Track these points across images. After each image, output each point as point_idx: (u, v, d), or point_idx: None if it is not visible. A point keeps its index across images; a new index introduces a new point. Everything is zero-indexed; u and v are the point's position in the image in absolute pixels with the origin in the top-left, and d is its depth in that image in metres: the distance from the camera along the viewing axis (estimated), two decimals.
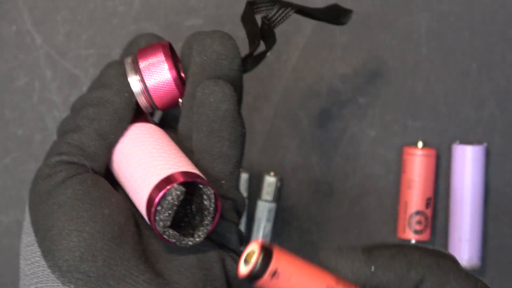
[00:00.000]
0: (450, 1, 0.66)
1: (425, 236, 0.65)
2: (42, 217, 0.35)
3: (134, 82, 0.38)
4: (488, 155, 0.66)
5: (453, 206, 0.65)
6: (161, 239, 0.35)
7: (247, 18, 0.42)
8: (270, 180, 0.65)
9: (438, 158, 0.66)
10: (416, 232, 0.64)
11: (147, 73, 0.38)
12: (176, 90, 0.38)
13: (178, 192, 0.34)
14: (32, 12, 0.64)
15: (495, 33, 0.66)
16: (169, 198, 0.34)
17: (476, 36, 0.66)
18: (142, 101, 0.38)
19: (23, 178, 0.65)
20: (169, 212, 0.34)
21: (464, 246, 0.64)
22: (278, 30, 0.66)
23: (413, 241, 0.65)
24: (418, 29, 0.66)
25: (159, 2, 0.64)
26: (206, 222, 0.35)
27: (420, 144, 0.65)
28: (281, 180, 0.65)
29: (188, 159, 0.36)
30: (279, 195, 0.65)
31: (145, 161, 0.36)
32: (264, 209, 0.64)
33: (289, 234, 0.66)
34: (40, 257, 0.34)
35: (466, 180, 0.65)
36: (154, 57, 0.39)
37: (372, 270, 0.30)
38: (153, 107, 0.39)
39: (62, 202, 0.35)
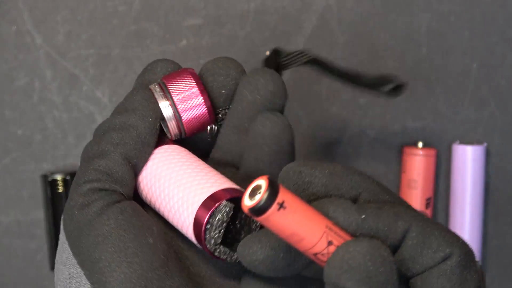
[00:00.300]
0: (450, 1, 0.66)
1: None
2: (87, 249, 0.35)
3: (165, 107, 0.38)
4: (488, 155, 0.66)
5: (453, 206, 0.65)
6: (212, 257, 0.35)
7: (269, 65, 0.43)
8: None
9: (438, 158, 0.66)
10: None
11: (179, 98, 0.38)
12: (208, 116, 0.38)
13: (228, 209, 0.34)
14: (32, 12, 0.64)
15: (495, 33, 0.66)
16: (219, 215, 0.34)
17: (476, 36, 0.66)
18: (172, 126, 0.38)
19: (23, 178, 0.65)
20: (220, 229, 0.34)
21: None
22: (278, 30, 0.66)
23: None
24: (418, 29, 0.66)
25: (159, 2, 0.64)
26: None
27: (420, 144, 0.65)
28: None
29: (224, 176, 0.37)
30: None
31: (184, 182, 0.36)
32: None
33: None
34: None
35: (466, 180, 0.65)
36: (183, 82, 0.39)
37: (363, 217, 0.31)
38: (181, 132, 0.39)
39: (107, 233, 0.35)
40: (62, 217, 0.37)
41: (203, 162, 0.38)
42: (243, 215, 0.35)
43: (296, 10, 0.65)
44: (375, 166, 0.66)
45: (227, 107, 0.40)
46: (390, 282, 0.30)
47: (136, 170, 0.38)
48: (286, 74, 0.66)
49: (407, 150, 0.65)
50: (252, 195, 0.29)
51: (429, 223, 0.32)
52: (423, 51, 0.66)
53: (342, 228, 0.31)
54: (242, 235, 0.35)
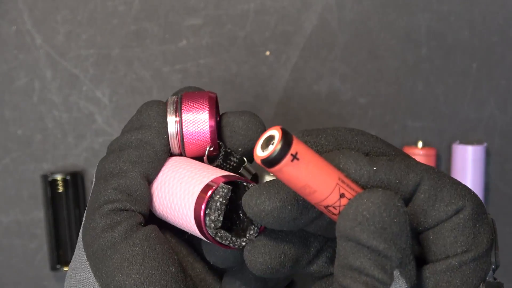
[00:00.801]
0: (450, 1, 0.66)
1: None
2: (111, 272, 0.35)
3: (172, 123, 0.38)
4: (488, 155, 0.66)
5: None
6: (215, 244, 0.35)
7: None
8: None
9: (438, 158, 0.66)
10: None
11: (186, 117, 0.38)
12: (210, 140, 0.38)
13: (225, 190, 0.34)
14: (32, 12, 0.64)
15: (495, 33, 0.66)
16: (216, 198, 0.34)
17: (476, 36, 0.66)
18: (173, 143, 0.38)
19: (23, 178, 0.65)
20: (219, 212, 0.34)
21: None
22: (278, 30, 0.66)
23: None
24: (418, 29, 0.66)
25: (159, 2, 0.64)
26: None
27: (420, 144, 0.65)
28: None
29: (224, 171, 0.37)
30: None
31: (185, 179, 0.36)
32: None
33: None
34: None
35: (466, 180, 0.65)
36: (197, 104, 0.38)
37: (374, 169, 0.31)
38: (181, 152, 0.39)
39: (132, 258, 0.35)
40: (81, 237, 0.37)
41: (206, 164, 0.38)
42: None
43: (296, 10, 0.65)
44: None
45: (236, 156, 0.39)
46: (404, 233, 0.29)
47: (151, 186, 0.38)
48: (286, 75, 0.66)
49: (407, 150, 0.65)
50: (265, 146, 0.28)
51: (441, 176, 0.32)
52: (423, 51, 0.66)
53: (354, 180, 0.31)
54: (246, 223, 0.35)
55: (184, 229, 0.37)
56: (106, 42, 0.64)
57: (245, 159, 0.39)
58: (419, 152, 0.65)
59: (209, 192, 0.34)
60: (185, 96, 0.39)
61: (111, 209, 0.36)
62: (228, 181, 0.35)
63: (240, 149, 0.39)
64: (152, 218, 0.38)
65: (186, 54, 0.65)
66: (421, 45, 0.66)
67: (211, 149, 0.38)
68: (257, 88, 0.66)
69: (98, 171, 0.38)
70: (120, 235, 0.36)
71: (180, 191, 0.36)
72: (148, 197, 0.38)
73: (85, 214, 0.38)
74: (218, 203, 0.34)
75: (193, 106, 0.38)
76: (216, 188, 0.34)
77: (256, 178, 0.40)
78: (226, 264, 0.37)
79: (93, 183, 0.38)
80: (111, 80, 0.65)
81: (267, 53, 0.65)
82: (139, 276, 0.35)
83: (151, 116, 0.38)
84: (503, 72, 0.67)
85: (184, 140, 0.38)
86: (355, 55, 0.66)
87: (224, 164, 0.39)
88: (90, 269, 0.36)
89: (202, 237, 0.35)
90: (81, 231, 0.37)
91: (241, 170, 0.39)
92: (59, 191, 0.63)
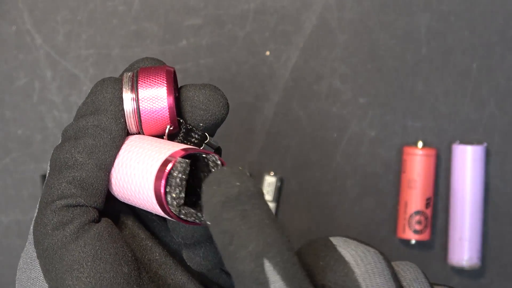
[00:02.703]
0: (450, 1, 0.66)
1: (425, 236, 0.65)
2: (60, 275, 0.34)
3: (128, 101, 0.36)
4: (488, 155, 0.66)
5: (453, 206, 0.65)
6: (179, 221, 0.33)
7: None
8: (270, 180, 0.65)
9: (438, 158, 0.66)
10: (416, 232, 0.64)
11: (143, 94, 0.36)
12: (169, 121, 0.36)
13: (184, 165, 0.33)
14: (32, 12, 0.64)
15: (495, 33, 0.66)
16: (175, 173, 0.33)
17: (476, 36, 0.66)
18: (130, 122, 0.36)
19: (23, 178, 0.65)
20: (180, 188, 0.33)
21: (464, 246, 0.64)
22: (278, 30, 0.66)
23: (413, 241, 0.65)
24: (418, 29, 0.66)
25: (159, 2, 0.64)
26: None
27: (420, 144, 0.65)
28: (281, 180, 0.65)
29: (184, 144, 0.35)
30: (279, 195, 0.65)
31: (142, 158, 0.35)
32: None
33: (289, 234, 0.66)
34: None
35: (466, 180, 0.65)
36: (155, 80, 0.36)
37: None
38: (139, 130, 0.37)
39: (82, 260, 0.34)
40: (32, 231, 0.36)
41: (163, 140, 0.36)
42: (205, 175, 0.34)
43: (296, 10, 0.65)
44: (375, 166, 0.66)
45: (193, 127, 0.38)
46: None
47: (109, 174, 0.36)
48: (286, 75, 0.66)
49: (407, 150, 0.65)
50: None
51: None
52: (423, 51, 0.66)
53: None
54: None
55: (148, 210, 0.35)
56: (106, 42, 0.64)
57: (206, 134, 0.37)
58: (419, 152, 0.65)
59: (167, 169, 0.33)
60: (141, 71, 0.37)
61: (63, 205, 0.35)
62: (186, 155, 0.33)
63: (201, 124, 0.37)
64: (113, 203, 0.37)
65: (186, 54, 0.65)
66: (421, 45, 0.66)
67: (171, 128, 0.36)
68: (257, 88, 0.66)
69: (53, 161, 0.36)
70: (71, 234, 0.34)
71: (138, 172, 0.35)
72: (105, 189, 0.36)
73: (37, 206, 0.36)
74: (178, 179, 0.33)
75: (150, 81, 0.36)
76: (174, 163, 0.33)
77: (219, 151, 0.38)
78: (195, 239, 0.36)
79: (47, 172, 0.37)
80: None
81: (267, 53, 0.65)
82: (90, 280, 0.33)
83: (106, 98, 0.36)
84: (503, 72, 0.67)
85: (142, 119, 0.36)
86: (355, 55, 0.66)
87: (185, 141, 0.37)
88: (40, 268, 0.35)
89: (166, 216, 0.34)
90: (32, 224, 0.36)
91: (203, 146, 0.37)
92: None
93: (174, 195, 0.33)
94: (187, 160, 0.33)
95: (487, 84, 0.67)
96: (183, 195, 0.33)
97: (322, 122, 0.66)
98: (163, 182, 0.33)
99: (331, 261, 0.30)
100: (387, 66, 0.66)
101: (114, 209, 0.37)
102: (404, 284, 0.30)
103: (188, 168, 0.33)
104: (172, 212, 0.33)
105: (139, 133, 0.37)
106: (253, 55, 0.65)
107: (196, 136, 0.37)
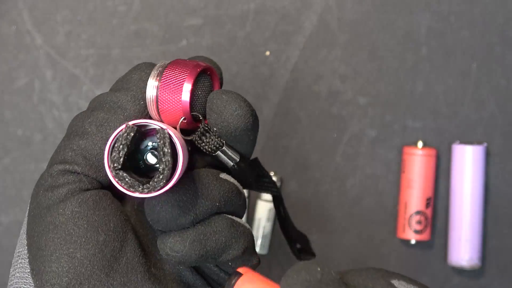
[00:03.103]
0: (450, 1, 0.66)
1: (425, 236, 0.65)
2: (37, 234, 0.35)
3: (150, 87, 0.37)
4: (488, 155, 0.66)
5: (453, 206, 0.65)
6: (119, 187, 0.34)
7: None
8: None
9: (438, 158, 0.66)
10: (416, 232, 0.64)
11: (164, 84, 0.37)
12: (181, 111, 0.37)
13: (129, 130, 0.33)
14: (32, 12, 0.64)
15: (495, 33, 0.66)
16: (120, 138, 0.33)
17: (476, 36, 0.66)
18: (150, 108, 0.37)
19: (23, 178, 0.65)
20: (120, 152, 0.33)
21: (464, 246, 0.64)
22: (278, 30, 0.66)
23: (413, 241, 0.65)
24: (418, 29, 0.66)
25: (159, 2, 0.64)
26: (162, 166, 0.33)
27: (420, 144, 0.65)
28: (281, 180, 0.65)
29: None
30: None
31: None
32: (264, 209, 0.65)
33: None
34: (28, 275, 0.34)
35: (466, 180, 0.65)
36: (180, 73, 0.37)
37: None
38: (159, 118, 0.37)
39: (58, 222, 0.34)
40: (32, 191, 0.36)
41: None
42: (158, 146, 0.34)
43: (296, 10, 0.65)
44: (375, 166, 0.66)
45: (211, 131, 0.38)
46: None
47: None
48: (286, 75, 0.66)
49: (407, 150, 0.65)
50: None
51: None
52: (423, 51, 0.66)
53: None
54: (160, 168, 0.34)
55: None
56: (106, 42, 0.64)
57: (224, 142, 0.37)
58: (419, 152, 0.65)
59: (115, 133, 0.34)
60: (173, 62, 0.37)
61: (60, 170, 0.35)
62: (137, 123, 0.34)
63: (214, 128, 0.37)
64: None
65: (186, 54, 0.65)
66: (421, 45, 0.66)
67: (184, 121, 0.37)
68: (257, 88, 0.66)
69: (69, 126, 0.37)
70: (58, 198, 0.35)
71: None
72: None
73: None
74: (119, 143, 0.33)
75: (174, 73, 0.37)
76: (123, 129, 0.34)
77: (239, 166, 0.38)
78: (161, 225, 0.36)
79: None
80: (111, 80, 0.65)
81: (267, 53, 0.65)
82: (60, 241, 0.34)
83: (132, 79, 0.37)
84: (503, 72, 0.67)
85: (159, 107, 0.37)
86: (355, 55, 0.66)
87: (199, 141, 0.37)
88: (26, 226, 0.35)
89: (114, 183, 0.34)
90: None
91: (217, 153, 0.37)
92: None
93: (112, 156, 0.33)
94: (133, 127, 0.34)
95: (487, 84, 0.67)
96: (121, 159, 0.33)
97: (322, 122, 0.66)
98: (108, 144, 0.34)
99: None
100: (387, 66, 0.66)
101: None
102: None
103: (131, 135, 0.34)
104: (111, 173, 0.33)
105: (161, 121, 0.37)
106: (253, 55, 0.65)
107: (211, 139, 0.37)
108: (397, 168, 0.66)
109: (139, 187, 0.33)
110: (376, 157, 0.66)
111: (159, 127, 0.34)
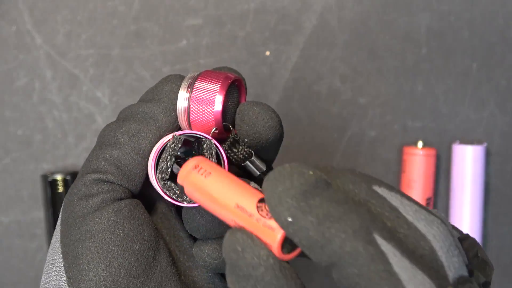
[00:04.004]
0: (450, 1, 0.66)
1: None
2: (73, 242, 0.35)
3: (182, 99, 0.37)
4: (488, 155, 0.66)
5: (453, 206, 0.65)
6: (167, 198, 0.35)
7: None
8: None
9: (438, 158, 0.66)
10: None
11: (195, 95, 0.37)
12: (213, 122, 0.37)
13: (176, 141, 0.35)
14: (32, 12, 0.64)
15: (495, 33, 0.66)
16: (167, 149, 0.35)
17: (476, 36, 0.66)
18: (181, 119, 0.38)
19: (23, 178, 0.65)
20: (167, 162, 0.34)
21: None
22: (278, 30, 0.66)
23: None
24: (418, 29, 0.66)
25: (159, 2, 0.64)
26: None
27: (420, 144, 0.65)
28: None
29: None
30: None
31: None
32: None
33: None
34: (65, 283, 0.35)
35: (466, 180, 0.65)
36: (211, 84, 0.37)
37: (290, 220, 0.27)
38: (189, 128, 0.38)
39: (95, 231, 0.35)
40: (64, 200, 0.37)
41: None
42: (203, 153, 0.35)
43: (296, 10, 0.65)
44: (375, 166, 0.66)
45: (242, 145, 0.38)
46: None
47: (146, 160, 0.37)
48: (286, 75, 0.66)
49: (407, 150, 0.65)
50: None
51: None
52: (423, 51, 0.66)
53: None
54: None
55: (158, 192, 0.37)
56: (106, 42, 0.64)
57: (253, 152, 0.38)
58: (419, 152, 0.65)
59: (161, 143, 0.34)
60: (203, 74, 0.38)
61: (94, 179, 0.36)
62: (182, 134, 0.35)
63: (246, 139, 0.38)
64: (151, 191, 0.38)
65: (186, 54, 0.65)
66: (421, 45, 0.66)
67: (216, 131, 0.37)
68: (257, 88, 0.66)
69: (100, 136, 0.38)
70: (93, 207, 0.35)
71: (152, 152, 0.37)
72: (141, 174, 0.37)
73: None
74: (167, 154, 0.34)
75: (205, 85, 0.37)
76: (169, 140, 0.35)
77: (262, 176, 0.39)
78: (200, 234, 0.36)
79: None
80: (111, 80, 0.65)
81: (267, 53, 0.65)
82: (97, 250, 0.34)
83: (164, 90, 0.38)
84: (503, 72, 0.67)
85: (190, 118, 0.37)
86: (355, 55, 0.66)
87: (229, 151, 0.38)
88: (59, 234, 0.36)
89: (161, 193, 0.35)
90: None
91: (245, 163, 0.38)
92: (59, 191, 0.63)
93: (160, 167, 0.35)
94: (180, 138, 0.35)
95: (487, 84, 0.67)
96: (169, 170, 0.35)
97: (322, 122, 0.66)
98: (155, 155, 0.35)
99: (415, 243, 0.28)
100: (387, 66, 0.66)
101: (151, 197, 0.38)
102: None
103: (179, 145, 0.35)
104: (159, 185, 0.34)
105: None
106: (253, 55, 0.65)
107: (240, 148, 0.38)
108: (397, 168, 0.66)
109: (185, 197, 0.34)
110: (376, 157, 0.66)
111: (205, 138, 0.35)
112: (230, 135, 0.38)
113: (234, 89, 0.38)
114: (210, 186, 0.30)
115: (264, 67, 0.65)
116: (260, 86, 0.66)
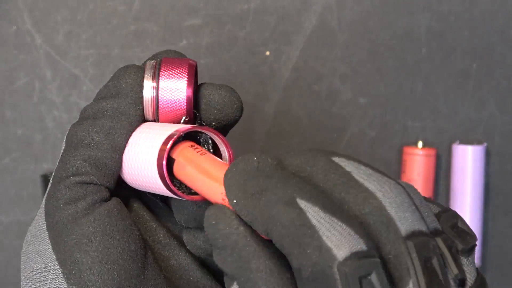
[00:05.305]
0: (450, 1, 0.66)
1: None
2: (69, 248, 0.35)
3: (148, 88, 0.37)
4: (488, 155, 0.66)
5: (453, 206, 0.65)
6: (181, 197, 0.34)
7: None
8: None
9: (438, 158, 0.66)
10: None
11: (164, 84, 0.37)
12: (185, 113, 0.37)
13: (181, 138, 0.34)
14: (32, 12, 0.64)
15: (495, 33, 0.66)
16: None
17: (476, 36, 0.66)
18: (147, 109, 0.37)
19: (23, 178, 0.65)
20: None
21: None
22: (278, 30, 0.66)
23: None
24: (418, 29, 0.66)
25: (159, 2, 0.64)
26: None
27: (420, 144, 0.65)
28: None
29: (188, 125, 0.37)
30: None
31: (149, 136, 0.36)
32: None
33: None
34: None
35: (466, 180, 0.65)
36: (177, 71, 0.37)
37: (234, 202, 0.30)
38: (154, 119, 0.38)
39: (91, 235, 0.35)
40: (43, 204, 0.36)
41: (173, 124, 0.37)
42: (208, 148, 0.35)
43: (296, 10, 0.65)
44: (375, 166, 0.66)
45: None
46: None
47: (121, 157, 0.37)
48: (286, 75, 0.66)
49: (407, 150, 0.65)
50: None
51: None
52: (423, 51, 0.66)
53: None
54: None
55: (151, 189, 0.36)
56: (106, 42, 0.64)
57: None
58: (419, 152, 0.65)
59: (170, 142, 0.34)
60: (164, 61, 0.37)
61: (77, 181, 0.36)
62: (189, 130, 0.34)
63: (213, 123, 0.38)
64: (120, 188, 0.38)
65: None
66: (421, 45, 0.66)
67: (186, 119, 0.37)
68: (257, 88, 0.66)
69: (69, 137, 0.37)
70: (82, 210, 0.35)
71: (144, 149, 0.36)
72: (117, 171, 0.37)
73: (51, 180, 0.37)
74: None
75: (171, 73, 0.37)
76: (178, 136, 0.34)
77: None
78: (197, 223, 0.37)
79: (62, 148, 0.37)
80: None
81: (267, 53, 0.65)
82: (97, 254, 0.34)
83: (128, 83, 0.37)
84: (503, 72, 0.67)
85: (160, 107, 0.37)
86: (355, 55, 0.66)
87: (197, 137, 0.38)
88: (49, 241, 0.36)
89: (169, 193, 0.34)
90: (44, 197, 0.37)
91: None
92: None
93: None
94: (183, 135, 0.34)
95: (487, 84, 0.67)
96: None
97: (322, 122, 0.66)
98: (165, 154, 0.34)
99: (355, 199, 0.29)
100: (387, 66, 0.66)
101: (121, 193, 0.38)
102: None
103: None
104: (173, 184, 0.34)
105: (154, 121, 0.38)
106: (253, 55, 0.65)
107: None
108: (397, 168, 0.66)
109: (191, 190, 0.34)
110: (376, 157, 0.66)
111: (205, 135, 0.35)
112: (196, 121, 0.38)
113: (195, 74, 0.38)
114: (203, 161, 0.32)
115: (264, 67, 0.65)
116: (260, 86, 0.66)
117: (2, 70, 0.64)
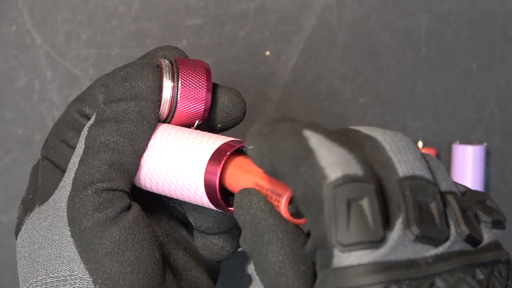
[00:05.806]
0: (450, 1, 0.66)
1: None
2: (100, 256, 0.35)
3: (167, 88, 0.37)
4: (488, 155, 0.66)
5: None
6: (226, 211, 0.34)
7: None
8: None
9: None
10: None
11: (184, 85, 0.37)
12: (201, 115, 0.37)
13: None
14: (32, 12, 0.64)
15: (495, 33, 0.66)
16: None
17: (476, 36, 0.66)
18: (164, 109, 0.37)
19: (23, 178, 0.65)
20: None
21: None
22: (278, 30, 0.66)
23: None
24: (418, 29, 0.66)
25: (159, 2, 0.64)
26: None
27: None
28: None
29: (220, 135, 0.37)
30: None
31: (183, 146, 0.36)
32: None
33: None
34: None
35: (466, 180, 0.65)
36: (196, 73, 0.37)
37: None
38: (168, 118, 0.38)
39: (122, 243, 0.35)
40: (65, 208, 0.36)
41: (195, 130, 0.37)
42: None
43: (296, 10, 0.65)
44: None
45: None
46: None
47: (140, 161, 0.37)
48: (286, 74, 0.66)
49: None
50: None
51: None
52: (423, 51, 0.66)
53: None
54: None
55: (182, 198, 0.36)
56: (106, 42, 0.64)
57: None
58: None
59: (224, 160, 0.34)
60: (181, 64, 0.37)
61: (106, 188, 0.35)
62: (238, 147, 0.34)
63: (219, 125, 0.38)
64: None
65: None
66: (421, 45, 0.66)
67: (200, 123, 0.38)
68: (257, 88, 0.66)
69: (91, 139, 0.37)
70: (112, 217, 0.35)
71: (180, 159, 0.35)
72: (135, 175, 0.37)
73: (72, 182, 0.36)
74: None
75: (192, 79, 0.37)
76: (229, 155, 0.34)
77: None
78: (219, 230, 0.37)
79: (82, 149, 0.37)
80: None
81: (267, 53, 0.65)
82: (130, 263, 0.34)
83: (148, 86, 0.37)
84: (503, 72, 0.67)
85: (176, 111, 0.37)
86: (355, 55, 0.66)
87: None
88: (75, 248, 0.35)
89: (210, 206, 0.34)
90: (65, 201, 0.36)
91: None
92: None
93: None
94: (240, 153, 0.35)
95: (487, 84, 0.67)
96: None
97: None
98: (219, 171, 0.33)
99: (356, 140, 0.29)
100: (387, 66, 0.66)
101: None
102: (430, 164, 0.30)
103: None
104: (223, 201, 0.34)
105: (166, 119, 0.38)
106: (253, 55, 0.65)
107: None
108: None
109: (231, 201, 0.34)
110: None
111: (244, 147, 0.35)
112: (203, 123, 0.38)
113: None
114: (254, 170, 0.32)
115: (264, 67, 0.66)
116: (260, 86, 0.66)
117: (2, 70, 0.64)
